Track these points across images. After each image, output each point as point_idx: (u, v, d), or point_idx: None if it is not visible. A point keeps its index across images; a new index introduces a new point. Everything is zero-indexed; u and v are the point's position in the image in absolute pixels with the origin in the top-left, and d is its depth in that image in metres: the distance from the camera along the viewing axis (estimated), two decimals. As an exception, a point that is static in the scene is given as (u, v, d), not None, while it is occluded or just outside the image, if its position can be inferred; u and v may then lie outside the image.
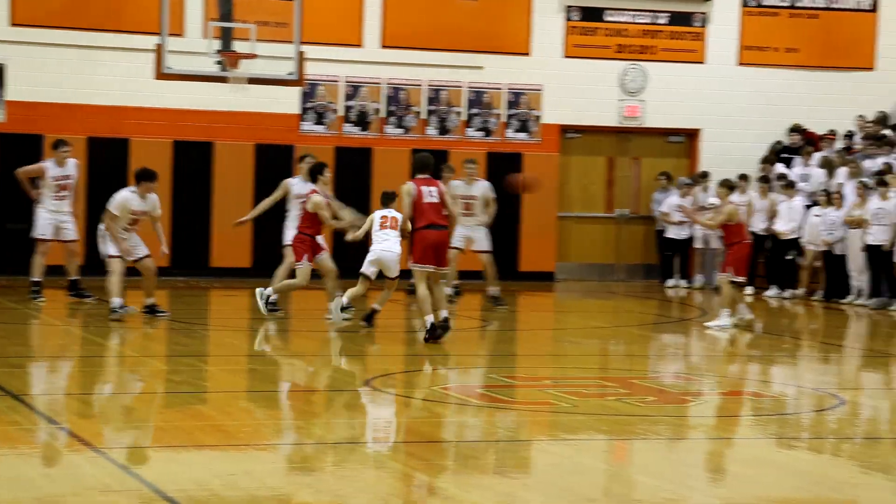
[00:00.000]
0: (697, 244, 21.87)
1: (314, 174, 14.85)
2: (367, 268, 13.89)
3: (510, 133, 22.20)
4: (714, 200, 16.21)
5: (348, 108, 21.66)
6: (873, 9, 23.31)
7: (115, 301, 14.54)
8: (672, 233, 22.06)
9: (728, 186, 15.48)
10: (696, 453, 8.60)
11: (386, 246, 13.82)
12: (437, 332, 12.78)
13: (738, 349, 14.35)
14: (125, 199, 14.73)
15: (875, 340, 15.84)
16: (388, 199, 14.06)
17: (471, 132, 22.09)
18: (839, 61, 23.26)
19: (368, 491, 7.14)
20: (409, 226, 13.19)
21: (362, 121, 21.71)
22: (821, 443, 9.04)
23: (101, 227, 14.94)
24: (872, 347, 15.08)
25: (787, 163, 22.00)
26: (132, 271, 15.02)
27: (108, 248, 14.80)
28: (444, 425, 9.26)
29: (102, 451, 7.87)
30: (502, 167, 21.95)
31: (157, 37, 17.23)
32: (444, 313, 12.99)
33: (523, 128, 22.29)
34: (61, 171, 16.23)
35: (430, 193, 12.98)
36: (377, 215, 13.98)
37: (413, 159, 13.83)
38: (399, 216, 13.65)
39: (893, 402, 11.18)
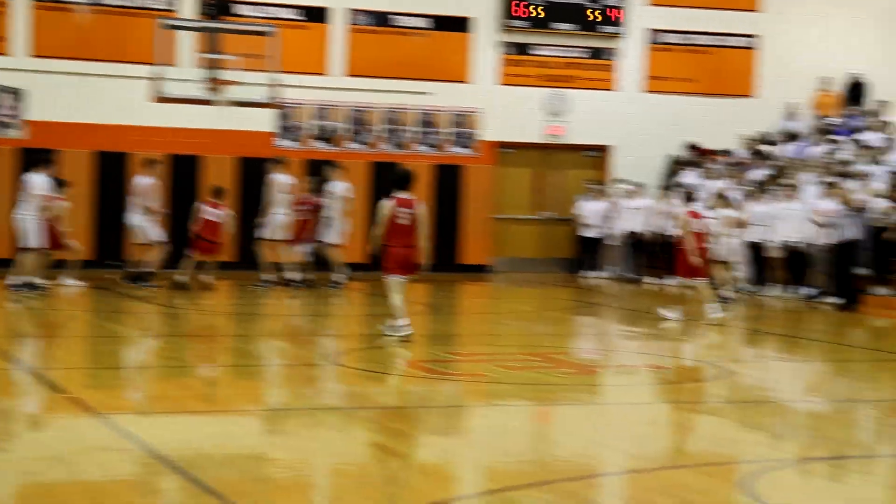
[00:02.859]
0: (609, 242, 21.90)
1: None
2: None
3: (453, 149, 22.20)
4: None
5: (316, 127, 21.58)
6: (753, 47, 23.49)
7: None
8: (587, 232, 22.09)
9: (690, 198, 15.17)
10: (608, 416, 8.60)
11: None
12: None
13: (642, 329, 14.39)
14: None
15: (752, 321, 15.92)
16: None
17: (420, 148, 22.05)
18: (726, 90, 23.41)
19: (331, 450, 7.09)
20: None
21: (328, 138, 21.65)
22: (709, 406, 9.07)
23: None
24: (751, 326, 15.15)
25: (674, 173, 22.11)
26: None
27: None
28: (396, 394, 9.22)
29: (104, 415, 7.77)
30: (447, 177, 21.96)
31: (153, 66, 17.06)
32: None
33: (464, 144, 22.29)
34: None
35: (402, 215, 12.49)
36: None
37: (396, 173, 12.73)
38: None
39: (768, 372, 11.26)
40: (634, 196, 21.51)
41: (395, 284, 11.67)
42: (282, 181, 18.02)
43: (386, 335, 11.65)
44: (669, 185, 21.50)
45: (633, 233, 21.30)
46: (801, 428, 8.21)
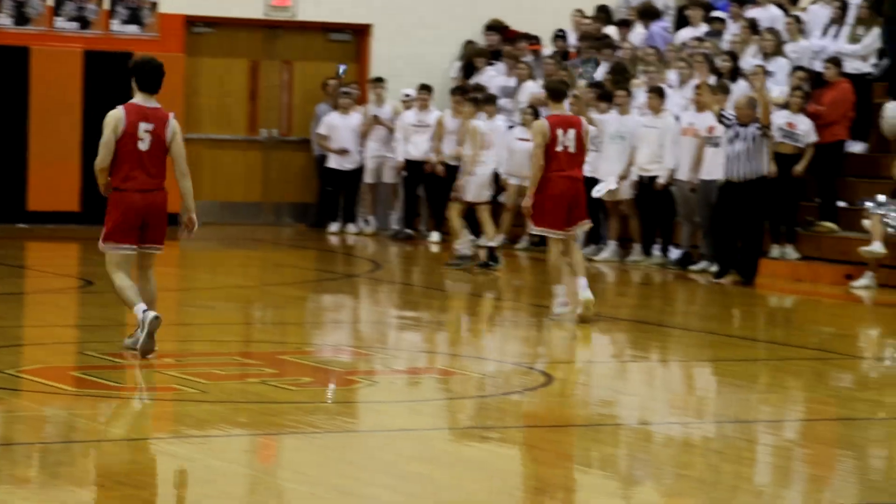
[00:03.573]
0: (368, 178, 22.00)
1: None
2: None
3: (116, 26, 21.82)
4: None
5: None
6: None
7: None
8: (335, 162, 22.12)
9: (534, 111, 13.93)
10: (366, 450, 8.63)
11: None
12: None
13: (425, 313, 14.51)
14: None
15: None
16: None
17: (60, 23, 21.59)
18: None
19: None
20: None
21: None
22: (524, 433, 9.21)
23: None
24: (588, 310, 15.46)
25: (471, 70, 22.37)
26: None
27: None
28: (18, 421, 9.03)
29: None
30: (106, 73, 21.55)
31: None
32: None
33: (134, 18, 21.94)
34: None
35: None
36: None
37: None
38: None
39: (608, 376, 11.52)
40: (412, 106, 21.65)
41: (117, 259, 10.85)
42: None
43: (128, 348, 10.92)
44: (462, 88, 21.73)
45: (410, 162, 21.44)
46: (665, 466, 8.41)
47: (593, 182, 18.77)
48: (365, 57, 23.29)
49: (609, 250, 18.81)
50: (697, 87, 17.87)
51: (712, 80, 18.02)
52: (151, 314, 10.60)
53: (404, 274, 18.43)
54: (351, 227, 22.11)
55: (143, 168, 10.84)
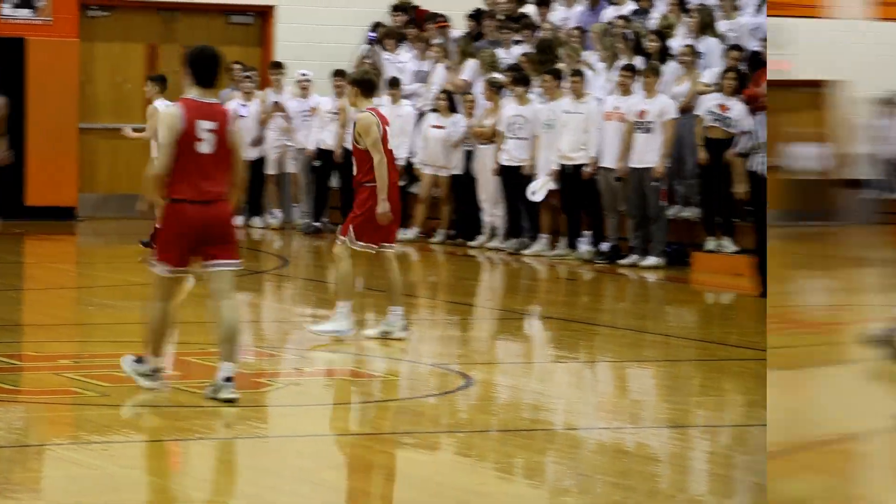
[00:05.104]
0: (270, 169, 21.92)
1: None
2: None
3: (6, 9, 21.70)
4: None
5: None
6: None
7: None
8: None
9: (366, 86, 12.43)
10: (276, 457, 8.67)
11: None
12: None
13: (333, 312, 14.53)
14: None
15: (511, 297, 16.33)
16: None
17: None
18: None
19: None
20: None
21: None
22: (442, 438, 9.26)
23: None
24: (508, 306, 15.52)
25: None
26: None
27: None
28: None
29: None
30: (-5, 57, 21.46)
31: None
32: None
33: (25, 2, 21.84)
34: None
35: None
36: None
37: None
38: None
39: (533, 378, 11.57)
40: (307, 87, 21.62)
41: (163, 283, 10.22)
42: None
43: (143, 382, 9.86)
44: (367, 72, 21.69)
45: (320, 151, 21.37)
46: (596, 474, 8.43)
47: (516, 174, 18.81)
48: (268, 41, 23.25)
49: (540, 244, 18.69)
50: (624, 69, 17.87)
51: (638, 60, 18.05)
52: (229, 390, 9.61)
53: (313, 270, 18.42)
54: (256, 221, 22.06)
55: (203, 174, 9.86)
